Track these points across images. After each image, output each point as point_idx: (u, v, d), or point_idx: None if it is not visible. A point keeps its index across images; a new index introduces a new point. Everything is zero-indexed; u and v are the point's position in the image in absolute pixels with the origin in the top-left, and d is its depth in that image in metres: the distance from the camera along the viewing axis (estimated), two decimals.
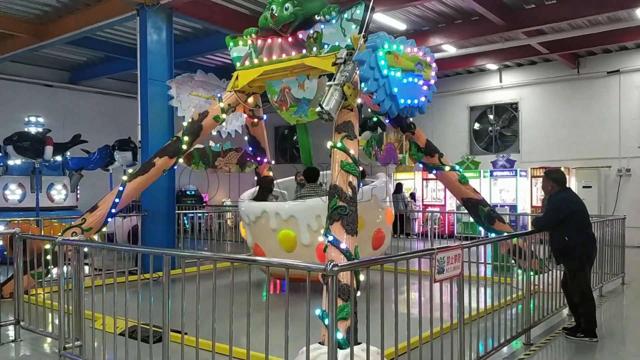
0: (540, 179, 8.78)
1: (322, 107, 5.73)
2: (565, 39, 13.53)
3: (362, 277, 4.63)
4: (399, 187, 17.74)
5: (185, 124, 8.27)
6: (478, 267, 5.40)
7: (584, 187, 14.99)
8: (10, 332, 6.07)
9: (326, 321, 4.23)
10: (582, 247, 5.88)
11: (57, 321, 5.30)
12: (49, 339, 5.87)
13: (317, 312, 4.34)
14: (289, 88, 7.41)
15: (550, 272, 6.55)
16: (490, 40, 13.85)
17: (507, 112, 17.59)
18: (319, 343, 4.38)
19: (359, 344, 4.21)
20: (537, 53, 14.81)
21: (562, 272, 6.30)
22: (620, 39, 13.88)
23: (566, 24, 12.56)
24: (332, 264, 3.29)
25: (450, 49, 14.40)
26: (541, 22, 12.31)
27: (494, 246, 8.27)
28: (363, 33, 6.28)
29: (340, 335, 4.16)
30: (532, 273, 6.04)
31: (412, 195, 17.93)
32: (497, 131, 17.76)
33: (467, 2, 11.21)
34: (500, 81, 17.37)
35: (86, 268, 5.82)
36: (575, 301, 5.99)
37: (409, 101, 6.23)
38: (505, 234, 7.45)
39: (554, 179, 6.12)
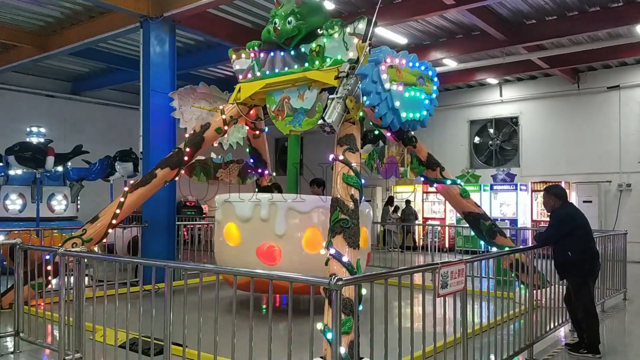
0: (541, 193, 8.75)
1: (324, 120, 5.76)
2: (565, 54, 13.63)
3: (364, 291, 4.62)
4: (390, 200, 17.72)
5: (187, 135, 8.28)
6: (481, 281, 5.39)
7: (584, 201, 15.00)
8: (10, 343, 6.02)
9: (328, 335, 4.20)
10: (585, 262, 5.86)
11: (57, 332, 5.27)
12: (48, 351, 5.81)
13: (319, 326, 4.31)
14: (288, 98, 7.39)
15: (552, 286, 6.52)
16: (491, 54, 13.98)
17: (507, 126, 17.65)
18: (321, 357, 4.34)
19: (362, 359, 4.18)
20: (537, 68, 14.89)
21: (564, 287, 6.28)
22: (620, 55, 13.98)
23: (566, 39, 12.67)
24: (336, 278, 3.27)
25: (451, 63, 14.51)
26: (542, 38, 12.41)
27: (497, 260, 8.23)
28: (368, 41, 6.32)
29: (343, 350, 4.12)
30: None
31: (396, 208, 17.78)
32: (497, 145, 17.81)
33: (468, 17, 11.29)
34: (501, 95, 17.42)
35: (86, 279, 5.79)
36: (578, 317, 5.95)
37: (410, 115, 6.23)
38: (507, 248, 7.43)
39: (555, 194, 6.12)
